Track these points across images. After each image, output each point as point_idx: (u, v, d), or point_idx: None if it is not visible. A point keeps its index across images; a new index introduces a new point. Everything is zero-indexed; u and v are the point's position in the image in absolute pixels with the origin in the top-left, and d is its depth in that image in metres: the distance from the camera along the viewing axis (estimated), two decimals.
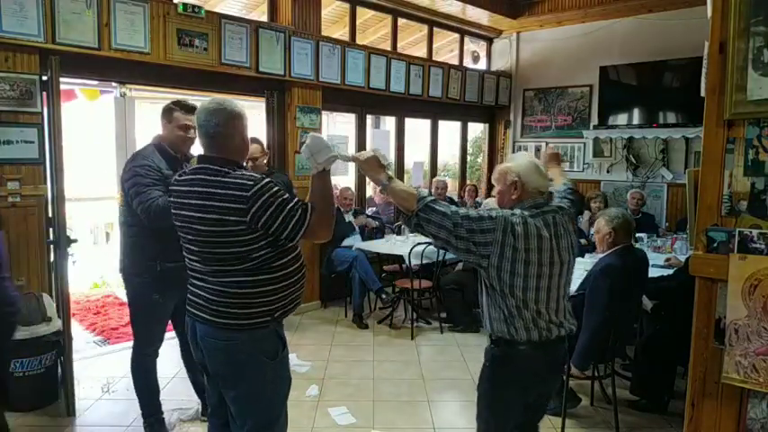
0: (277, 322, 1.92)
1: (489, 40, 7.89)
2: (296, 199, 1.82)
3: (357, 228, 5.65)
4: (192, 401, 3.27)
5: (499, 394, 2.01)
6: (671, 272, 3.88)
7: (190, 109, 2.75)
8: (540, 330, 1.92)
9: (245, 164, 2.11)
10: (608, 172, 7.02)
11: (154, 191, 2.57)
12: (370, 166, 1.93)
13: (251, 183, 1.75)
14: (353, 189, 6.04)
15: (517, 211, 1.94)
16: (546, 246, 1.91)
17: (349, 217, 5.57)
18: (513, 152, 7.81)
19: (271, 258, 1.83)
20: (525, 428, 2.14)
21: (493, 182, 2.16)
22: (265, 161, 3.99)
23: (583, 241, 5.29)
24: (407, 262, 4.89)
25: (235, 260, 1.80)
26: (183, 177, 1.94)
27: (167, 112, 2.79)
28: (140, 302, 2.79)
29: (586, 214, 5.74)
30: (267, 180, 1.78)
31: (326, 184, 1.91)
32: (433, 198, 1.91)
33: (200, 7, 4.44)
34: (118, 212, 2.83)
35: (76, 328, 4.73)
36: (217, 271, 1.84)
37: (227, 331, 1.84)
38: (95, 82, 5.51)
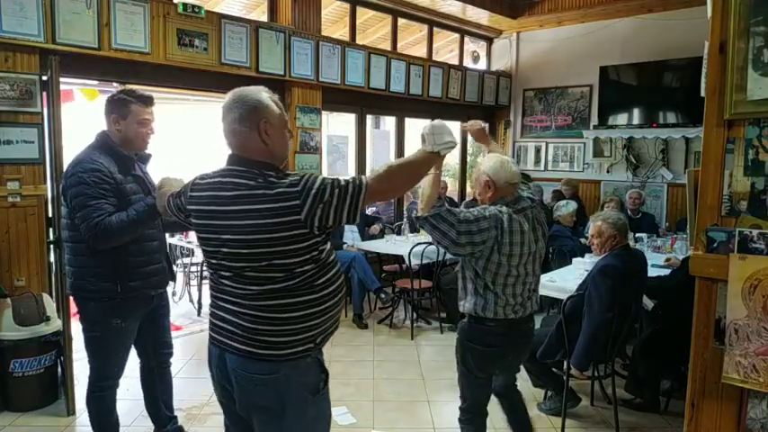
0: (318, 350, 1.67)
1: (489, 40, 7.89)
2: (344, 179, 1.59)
3: (367, 231, 5.67)
4: None
5: (464, 361, 2.36)
6: (668, 272, 3.88)
7: (148, 100, 2.40)
8: (510, 310, 2.24)
9: None
10: (608, 172, 7.02)
11: (104, 205, 2.21)
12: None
13: (296, 177, 1.55)
14: None
15: (504, 208, 2.22)
16: (525, 239, 2.22)
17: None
18: (514, 152, 7.83)
19: (314, 276, 1.60)
20: (503, 381, 2.54)
21: (474, 184, 2.43)
22: None
23: (583, 240, 5.29)
24: (407, 262, 4.90)
25: (277, 275, 1.56)
26: (204, 182, 1.66)
27: (120, 105, 2.36)
28: (98, 330, 2.37)
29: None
30: (308, 172, 1.60)
31: (425, 161, 1.71)
32: (447, 210, 2.12)
33: (200, 7, 4.44)
34: (62, 224, 2.43)
35: (76, 328, 4.72)
36: (255, 293, 1.57)
37: (266, 363, 1.58)
38: (95, 82, 5.52)
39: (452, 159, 8.79)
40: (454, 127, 1.98)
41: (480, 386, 2.41)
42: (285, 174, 1.58)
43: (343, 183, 1.56)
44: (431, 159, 1.72)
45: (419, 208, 2.17)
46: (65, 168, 2.36)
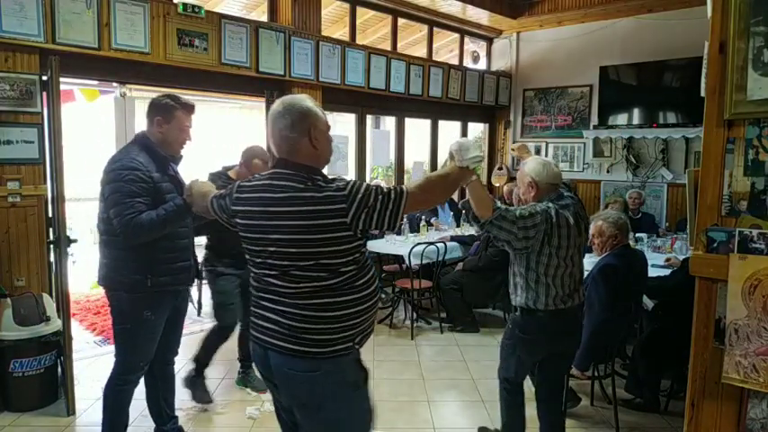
0: (357, 349, 1.74)
1: (489, 40, 7.89)
2: (387, 188, 1.70)
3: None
4: None
5: (515, 349, 2.54)
6: (668, 272, 3.88)
7: (191, 108, 2.55)
8: (560, 300, 2.40)
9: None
10: (608, 172, 7.02)
11: (137, 203, 2.31)
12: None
13: (343, 182, 1.65)
14: None
15: (551, 205, 2.39)
16: (571, 233, 2.38)
17: None
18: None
19: (355, 276, 1.68)
20: (548, 382, 2.65)
21: (519, 185, 2.63)
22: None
23: None
24: (407, 262, 4.90)
25: (322, 275, 1.63)
26: (251, 184, 1.75)
27: (166, 109, 2.48)
28: (129, 322, 2.47)
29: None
30: (353, 179, 1.72)
31: (458, 176, 1.89)
32: (505, 208, 2.31)
33: (200, 7, 4.44)
34: (98, 217, 2.53)
35: (76, 328, 4.73)
36: (300, 291, 1.64)
37: (309, 361, 1.64)
38: (95, 82, 5.52)
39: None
40: (454, 127, 2.04)
41: (526, 367, 2.62)
42: (332, 178, 1.68)
43: (386, 190, 1.67)
44: (462, 174, 1.89)
45: (478, 214, 2.29)
46: (106, 164, 2.46)
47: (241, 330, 3.55)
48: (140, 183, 2.34)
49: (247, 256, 1.77)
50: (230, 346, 3.62)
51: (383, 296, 5.13)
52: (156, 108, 2.49)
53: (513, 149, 3.01)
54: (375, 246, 5.42)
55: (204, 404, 3.40)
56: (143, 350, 2.53)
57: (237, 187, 1.80)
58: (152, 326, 2.50)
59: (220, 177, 3.29)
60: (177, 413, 2.92)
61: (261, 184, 1.71)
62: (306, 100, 1.74)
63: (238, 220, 1.76)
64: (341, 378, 1.68)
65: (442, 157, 7.96)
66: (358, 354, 1.74)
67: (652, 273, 3.59)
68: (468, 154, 1.87)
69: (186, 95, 2.65)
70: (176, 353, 2.79)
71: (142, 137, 2.52)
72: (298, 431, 1.81)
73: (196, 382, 3.42)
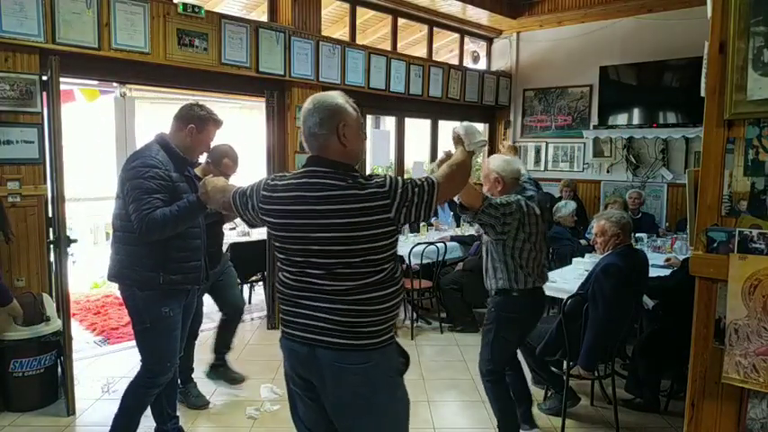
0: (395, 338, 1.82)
1: (489, 40, 7.89)
2: (419, 180, 1.73)
3: None
4: None
5: (498, 329, 2.81)
6: (668, 272, 3.88)
7: (221, 124, 2.66)
8: (529, 281, 2.72)
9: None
10: (608, 172, 7.02)
11: (155, 199, 2.34)
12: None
13: (380, 179, 1.68)
14: None
15: (519, 197, 2.66)
16: (538, 221, 2.71)
17: None
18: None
19: (394, 268, 1.74)
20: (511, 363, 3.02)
21: (484, 183, 2.88)
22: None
23: (583, 242, 5.30)
24: (407, 262, 4.90)
25: (369, 270, 1.66)
26: (283, 183, 1.73)
27: (201, 121, 2.56)
28: (148, 320, 2.47)
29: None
30: (387, 174, 1.74)
31: (467, 160, 1.93)
32: (490, 196, 2.63)
33: (200, 7, 4.44)
34: (114, 213, 2.53)
35: (76, 328, 4.73)
36: (348, 288, 1.66)
37: (362, 354, 1.67)
38: (95, 82, 5.52)
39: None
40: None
41: (508, 349, 2.89)
42: (369, 175, 1.70)
43: (418, 182, 1.70)
44: (469, 158, 1.94)
45: (469, 204, 2.52)
46: (126, 161, 2.50)
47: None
48: (159, 180, 2.38)
49: (281, 256, 1.75)
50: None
51: None
52: (191, 116, 2.56)
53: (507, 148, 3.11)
54: None
55: (238, 384, 3.65)
56: (168, 349, 2.53)
57: (265, 186, 1.77)
58: (171, 322, 2.52)
59: None
60: (177, 413, 2.92)
61: (295, 183, 1.70)
62: (337, 97, 1.76)
63: (270, 219, 1.75)
64: (389, 366, 1.74)
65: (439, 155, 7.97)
66: (396, 342, 1.82)
67: (652, 273, 3.58)
68: (475, 138, 1.95)
69: (186, 95, 2.68)
70: (181, 351, 2.75)
71: (162, 137, 2.55)
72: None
73: (219, 369, 3.63)
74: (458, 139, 2.01)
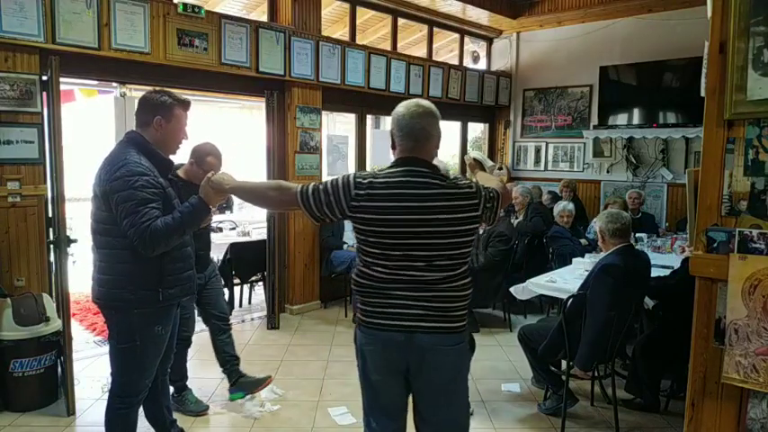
0: None
1: (489, 40, 7.90)
2: (489, 188, 1.94)
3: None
4: None
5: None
6: (668, 272, 3.88)
7: (188, 105, 2.37)
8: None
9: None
10: (608, 172, 7.02)
11: (151, 210, 2.11)
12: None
13: (464, 180, 1.89)
14: None
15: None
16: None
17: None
18: (514, 152, 7.84)
19: (468, 262, 1.94)
20: None
21: None
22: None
23: (583, 241, 5.30)
24: None
25: (461, 261, 1.85)
26: (382, 181, 1.81)
27: (165, 107, 2.28)
28: (138, 339, 2.25)
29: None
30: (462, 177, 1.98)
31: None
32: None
33: (200, 7, 4.44)
34: (93, 229, 2.27)
35: (76, 328, 4.73)
36: (444, 277, 1.82)
37: (457, 335, 1.86)
38: (95, 82, 5.53)
39: (452, 159, 8.79)
40: (454, 127, 2.16)
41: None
42: (454, 177, 1.91)
43: (489, 188, 1.93)
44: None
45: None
46: (102, 169, 2.24)
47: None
48: (151, 188, 2.15)
49: (374, 251, 1.82)
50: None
51: None
52: (152, 106, 2.28)
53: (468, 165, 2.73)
54: None
55: (264, 386, 3.49)
56: (150, 367, 2.35)
57: (358, 185, 1.80)
58: (162, 341, 2.34)
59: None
60: (175, 415, 2.92)
61: (396, 181, 1.80)
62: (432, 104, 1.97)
63: (366, 216, 1.80)
64: (468, 346, 1.96)
65: (442, 157, 7.95)
66: None
67: (653, 273, 3.58)
68: (488, 163, 2.36)
69: (186, 95, 2.58)
70: (172, 360, 2.67)
71: (136, 137, 2.29)
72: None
73: (240, 383, 3.50)
74: (475, 165, 2.36)
